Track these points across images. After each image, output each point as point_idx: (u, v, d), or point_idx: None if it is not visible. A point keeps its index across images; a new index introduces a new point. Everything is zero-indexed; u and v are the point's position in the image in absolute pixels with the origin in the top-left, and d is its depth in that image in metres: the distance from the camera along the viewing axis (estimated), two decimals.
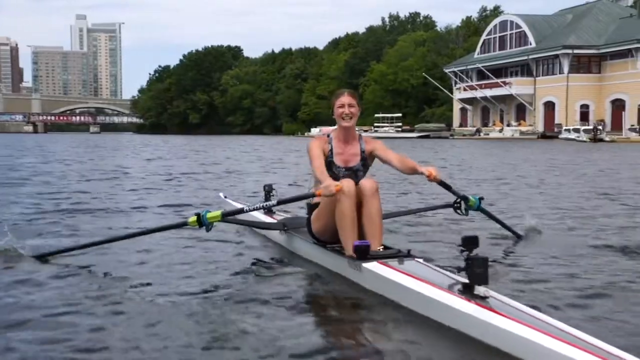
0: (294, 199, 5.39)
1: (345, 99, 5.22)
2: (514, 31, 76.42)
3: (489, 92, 75.67)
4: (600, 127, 54.38)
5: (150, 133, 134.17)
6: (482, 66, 76.89)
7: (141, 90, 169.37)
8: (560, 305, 4.18)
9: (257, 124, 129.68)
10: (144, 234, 5.63)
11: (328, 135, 5.34)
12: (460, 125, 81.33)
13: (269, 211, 6.70)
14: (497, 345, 3.42)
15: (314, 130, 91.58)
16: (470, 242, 3.76)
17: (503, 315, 3.49)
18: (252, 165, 21.01)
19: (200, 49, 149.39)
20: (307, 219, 5.33)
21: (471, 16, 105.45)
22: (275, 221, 6.29)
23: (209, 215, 5.02)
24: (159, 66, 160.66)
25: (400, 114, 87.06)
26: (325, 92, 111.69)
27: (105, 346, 3.46)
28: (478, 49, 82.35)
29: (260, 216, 6.68)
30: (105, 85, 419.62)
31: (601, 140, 49.57)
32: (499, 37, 78.69)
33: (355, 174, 5.18)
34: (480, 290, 3.71)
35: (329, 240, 5.15)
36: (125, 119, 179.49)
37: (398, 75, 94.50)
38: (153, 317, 3.93)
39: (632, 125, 55.81)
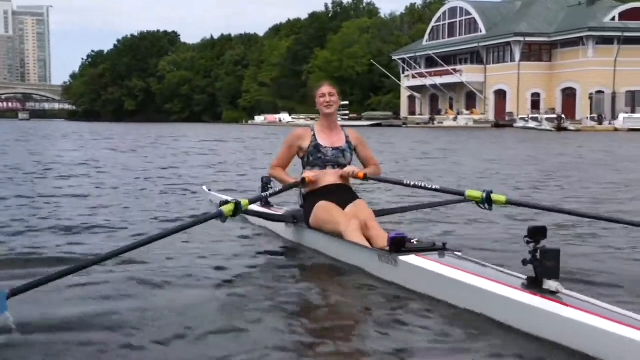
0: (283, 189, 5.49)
1: (325, 89, 5.48)
2: (463, 18, 75.00)
3: (438, 80, 73.99)
4: (563, 116, 53.19)
5: (83, 120, 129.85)
6: (432, 53, 75.15)
7: (73, 76, 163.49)
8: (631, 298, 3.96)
9: (196, 111, 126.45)
10: (172, 233, 4.53)
11: (311, 128, 5.57)
12: (413, 114, 79.77)
13: (266, 204, 6.39)
14: (575, 344, 3.17)
15: (259, 119, 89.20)
16: (537, 233, 3.49)
17: (581, 310, 3.24)
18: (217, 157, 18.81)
19: (135, 34, 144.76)
20: (303, 211, 5.47)
21: (415, 3, 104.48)
22: (281, 213, 5.98)
23: (243, 202, 4.74)
24: (92, 51, 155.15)
25: (347, 102, 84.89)
26: (267, 79, 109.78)
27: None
28: (427, 36, 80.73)
29: (263, 208, 6.30)
30: (33, 71, 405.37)
31: (565, 129, 48.23)
32: (449, 23, 77.17)
33: (342, 153, 5.48)
34: (551, 285, 3.44)
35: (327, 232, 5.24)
36: (56, 106, 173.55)
37: (343, 62, 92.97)
38: (170, 316, 3.66)
39: (592, 115, 54.67)
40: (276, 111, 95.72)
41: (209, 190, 8.27)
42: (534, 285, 3.49)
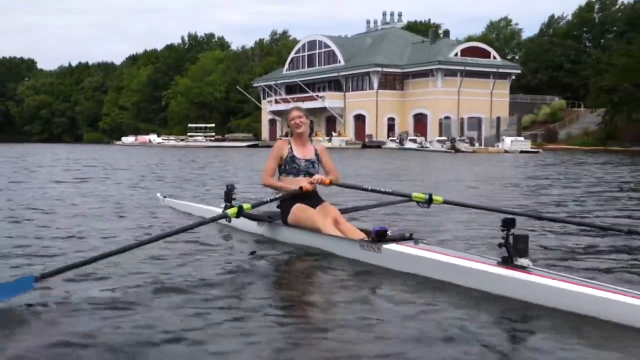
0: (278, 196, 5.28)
1: (294, 113, 5.50)
2: (322, 50, 70.39)
3: (301, 105, 68.82)
4: (456, 138, 48.83)
5: None
6: (299, 80, 69.71)
7: None
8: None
9: (56, 133, 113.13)
10: (177, 233, 4.43)
11: (289, 141, 5.53)
12: (274, 136, 74.13)
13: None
14: (546, 304, 3.30)
15: (128, 139, 79.34)
16: (508, 223, 3.65)
17: (550, 278, 3.40)
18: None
19: None
20: (280, 211, 5.37)
21: (263, 39, 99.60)
22: (257, 213, 5.62)
23: (245, 206, 4.79)
24: None
25: (213, 125, 77.89)
26: (127, 104, 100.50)
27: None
28: (287, 66, 75.43)
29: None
30: None
31: (459, 150, 44.18)
32: (308, 55, 72.15)
33: (312, 164, 5.50)
34: (522, 261, 3.58)
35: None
36: None
37: (203, 89, 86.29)
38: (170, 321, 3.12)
39: (461, 137, 51.25)
40: (137, 133, 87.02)
41: (165, 197, 7.65)
42: (507, 262, 3.61)
